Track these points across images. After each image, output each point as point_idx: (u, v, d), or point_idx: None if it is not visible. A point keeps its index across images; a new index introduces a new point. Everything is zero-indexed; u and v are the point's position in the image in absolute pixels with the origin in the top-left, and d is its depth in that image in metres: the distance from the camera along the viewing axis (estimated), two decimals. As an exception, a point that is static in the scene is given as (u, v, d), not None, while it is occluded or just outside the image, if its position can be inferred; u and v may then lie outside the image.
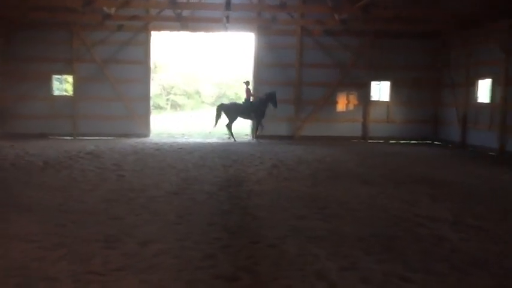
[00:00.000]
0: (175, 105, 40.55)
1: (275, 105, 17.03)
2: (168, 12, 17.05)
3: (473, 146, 16.07)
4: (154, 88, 34.21)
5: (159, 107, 38.08)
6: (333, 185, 8.61)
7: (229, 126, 17.46)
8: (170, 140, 16.90)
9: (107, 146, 14.41)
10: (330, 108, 18.44)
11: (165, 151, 13.47)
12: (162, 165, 10.73)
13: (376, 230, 5.66)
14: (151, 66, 18.61)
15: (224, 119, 17.50)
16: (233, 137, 17.43)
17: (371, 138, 18.46)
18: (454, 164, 12.19)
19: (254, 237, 5.27)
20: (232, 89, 41.97)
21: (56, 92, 18.54)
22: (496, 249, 5.04)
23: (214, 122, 17.51)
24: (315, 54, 18.09)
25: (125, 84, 17.72)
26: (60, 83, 20.27)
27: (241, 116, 17.52)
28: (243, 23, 17.67)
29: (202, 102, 41.54)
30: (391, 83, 18.54)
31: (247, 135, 18.24)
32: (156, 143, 15.62)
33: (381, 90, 19.18)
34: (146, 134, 18.02)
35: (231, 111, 17.41)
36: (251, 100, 17.54)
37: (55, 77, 18.38)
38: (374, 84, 18.79)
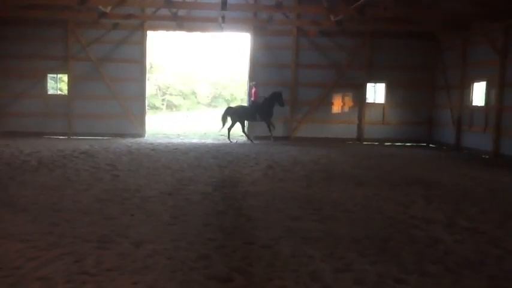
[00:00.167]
0: (171, 106, 40.51)
1: (282, 104, 17.07)
2: (164, 12, 17.04)
3: (468, 148, 16.13)
4: (150, 88, 34.07)
5: (154, 107, 38.03)
6: (328, 186, 8.61)
7: (230, 128, 17.48)
8: (165, 140, 16.87)
9: (101, 146, 14.36)
10: (325, 109, 18.47)
11: (160, 151, 13.44)
12: (157, 165, 10.70)
13: (370, 231, 5.66)
14: (147, 65, 18.58)
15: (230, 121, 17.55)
16: (229, 138, 17.43)
17: (366, 140, 18.50)
18: (448, 166, 12.23)
19: (249, 238, 5.26)
20: (228, 89, 41.97)
21: (51, 91, 18.49)
22: (491, 251, 5.05)
23: (222, 125, 17.54)
24: (311, 55, 18.12)
25: (120, 83, 17.69)
26: (55, 81, 20.19)
27: (248, 119, 17.47)
28: (239, 23, 17.67)
29: (198, 102, 41.50)
30: (386, 84, 18.59)
31: (242, 136, 18.21)
32: (152, 143, 15.59)
33: (376, 92, 19.23)
34: (141, 134, 17.98)
35: (238, 115, 17.38)
36: (257, 101, 17.43)
37: (50, 75, 18.32)
38: (369, 86, 18.82)
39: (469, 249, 5.07)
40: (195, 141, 17.18)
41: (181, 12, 16.92)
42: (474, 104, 16.21)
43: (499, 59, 14.23)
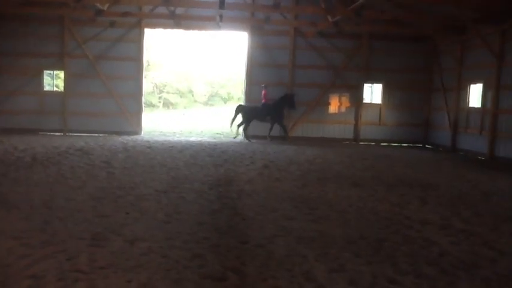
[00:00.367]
0: (167, 104, 40.42)
1: (293, 107, 17.12)
2: (162, 10, 16.99)
3: (464, 150, 16.16)
4: (147, 86, 34.10)
5: (151, 105, 37.96)
6: (324, 186, 8.60)
7: (245, 128, 17.44)
8: (161, 138, 16.83)
9: (97, 143, 14.31)
10: (322, 110, 18.48)
11: (156, 149, 13.40)
12: (152, 163, 10.67)
13: (365, 232, 5.65)
14: (144, 63, 18.52)
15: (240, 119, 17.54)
16: (242, 135, 17.40)
17: (362, 141, 18.52)
18: (444, 168, 12.25)
19: (243, 237, 5.24)
20: (225, 88, 41.94)
21: (47, 88, 18.39)
22: (486, 253, 5.04)
23: (231, 122, 17.50)
24: (308, 56, 18.12)
25: (116, 81, 17.63)
26: (52, 78, 20.12)
27: (257, 119, 17.41)
28: (237, 22, 17.64)
29: (195, 101, 41.44)
30: (383, 85, 18.62)
31: (238, 135, 18.18)
32: (148, 141, 15.54)
33: (372, 93, 19.25)
34: (137, 131, 17.93)
35: (248, 113, 17.32)
36: (267, 103, 17.40)
37: (46, 72, 18.25)
38: (366, 87, 18.84)
39: (464, 251, 5.07)
40: (191, 139, 17.14)
41: (179, 11, 16.87)
42: (470, 106, 16.24)
43: (495, 62, 14.26)
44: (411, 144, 18.60)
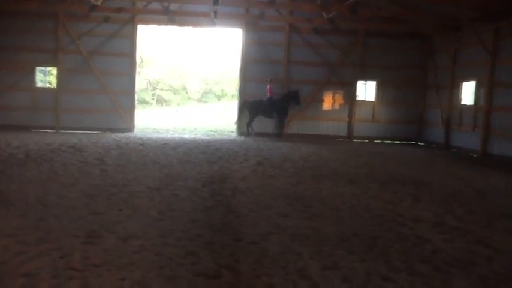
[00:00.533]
0: (161, 100, 40.29)
1: (298, 103, 17.11)
2: (155, 5, 16.92)
3: (457, 147, 16.24)
4: (140, 82, 33.96)
5: (144, 102, 37.83)
6: (318, 183, 8.61)
7: (249, 122, 17.31)
8: (155, 135, 16.78)
9: (90, 140, 14.24)
10: (316, 107, 18.48)
11: (150, 146, 13.35)
12: (145, 160, 10.63)
13: (359, 229, 5.66)
14: (137, 59, 18.43)
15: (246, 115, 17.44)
16: (252, 132, 17.30)
17: (356, 138, 18.55)
18: (437, 165, 12.30)
19: (237, 235, 5.23)
20: (219, 85, 41.85)
21: (39, 84, 18.25)
22: (481, 251, 5.05)
23: (237, 118, 17.42)
24: (303, 52, 18.10)
25: (110, 77, 17.53)
26: (44, 74, 19.97)
27: (262, 115, 17.33)
28: (231, 18, 17.59)
29: (189, 98, 41.33)
30: (377, 82, 18.64)
31: (232, 132, 18.17)
32: (141, 138, 15.49)
33: (366, 90, 19.27)
34: (131, 128, 17.86)
35: (254, 108, 17.20)
36: (274, 98, 17.32)
37: (39, 68, 18.10)
38: (360, 84, 18.85)
39: (458, 249, 5.08)
40: (184, 136, 17.10)
41: (173, 7, 16.80)
42: (463, 103, 16.31)
43: (489, 59, 14.32)
44: (404, 142, 18.66)
